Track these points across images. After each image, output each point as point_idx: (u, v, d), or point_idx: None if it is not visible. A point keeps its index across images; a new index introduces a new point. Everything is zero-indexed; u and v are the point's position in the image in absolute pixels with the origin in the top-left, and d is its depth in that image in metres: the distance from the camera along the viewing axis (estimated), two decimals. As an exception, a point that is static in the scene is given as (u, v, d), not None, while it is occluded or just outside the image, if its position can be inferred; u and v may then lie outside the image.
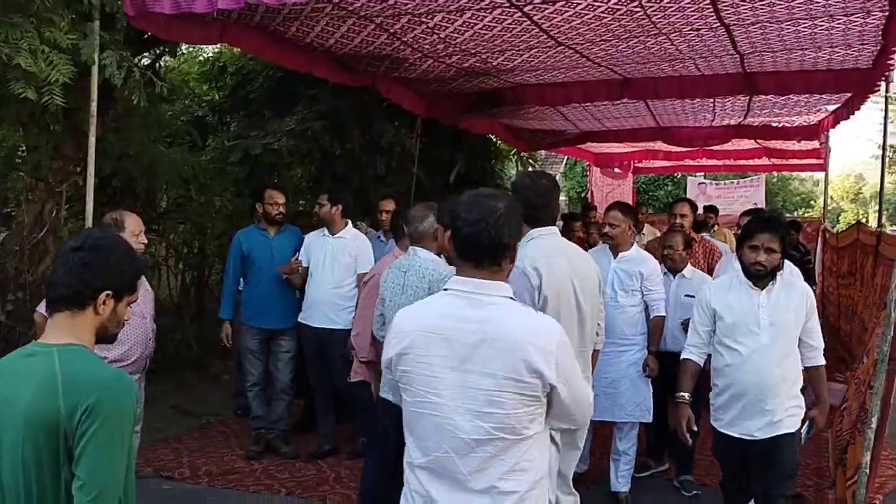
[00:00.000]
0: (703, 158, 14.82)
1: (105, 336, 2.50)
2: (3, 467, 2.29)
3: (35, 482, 2.26)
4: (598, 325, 4.51)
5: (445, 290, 2.68)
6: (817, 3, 5.25)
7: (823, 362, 4.58)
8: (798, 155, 13.66)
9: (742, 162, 15.37)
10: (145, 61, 7.49)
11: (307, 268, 6.81)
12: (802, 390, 4.56)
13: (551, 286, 4.00)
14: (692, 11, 5.53)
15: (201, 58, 11.18)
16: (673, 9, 5.48)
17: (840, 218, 47.82)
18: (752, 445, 4.44)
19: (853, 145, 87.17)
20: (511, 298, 2.63)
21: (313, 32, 6.21)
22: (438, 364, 2.57)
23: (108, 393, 2.27)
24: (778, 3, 5.29)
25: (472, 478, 2.53)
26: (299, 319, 6.84)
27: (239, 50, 9.50)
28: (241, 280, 7.11)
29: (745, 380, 4.39)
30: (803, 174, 39.10)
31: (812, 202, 43.72)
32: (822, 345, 4.55)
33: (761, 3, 5.31)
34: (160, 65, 7.67)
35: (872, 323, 6.06)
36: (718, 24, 5.83)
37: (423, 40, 6.41)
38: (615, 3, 5.38)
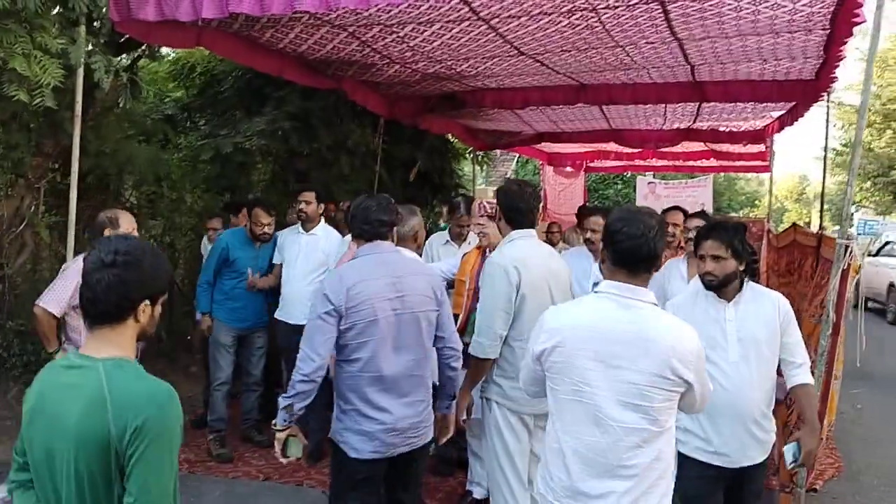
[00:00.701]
0: (653, 159, 14.95)
1: (143, 336, 2.53)
2: (57, 480, 2.34)
3: (89, 494, 2.30)
4: None
5: (596, 292, 2.95)
6: (762, 21, 5.51)
7: (810, 380, 4.11)
8: (744, 157, 13.88)
9: (691, 163, 15.54)
10: (123, 62, 7.65)
11: (280, 265, 7.03)
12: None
13: (529, 283, 4.39)
14: (647, 27, 5.81)
15: (170, 57, 11.20)
16: (630, 24, 5.75)
17: (784, 217, 48.85)
18: (727, 472, 4.01)
19: (798, 146, 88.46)
20: (654, 304, 2.92)
21: (287, 39, 6.39)
22: (592, 358, 2.84)
23: (156, 411, 2.29)
24: (727, 20, 5.55)
25: (618, 463, 2.79)
26: (276, 316, 7.01)
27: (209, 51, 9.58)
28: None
29: (718, 399, 3.77)
30: (749, 175, 39.85)
31: (757, 201, 44.61)
32: (806, 360, 4.11)
33: (712, 20, 5.57)
34: (136, 66, 7.82)
35: (808, 319, 6.40)
36: (671, 39, 6.10)
37: (392, 48, 6.62)
38: (576, 19, 5.64)
